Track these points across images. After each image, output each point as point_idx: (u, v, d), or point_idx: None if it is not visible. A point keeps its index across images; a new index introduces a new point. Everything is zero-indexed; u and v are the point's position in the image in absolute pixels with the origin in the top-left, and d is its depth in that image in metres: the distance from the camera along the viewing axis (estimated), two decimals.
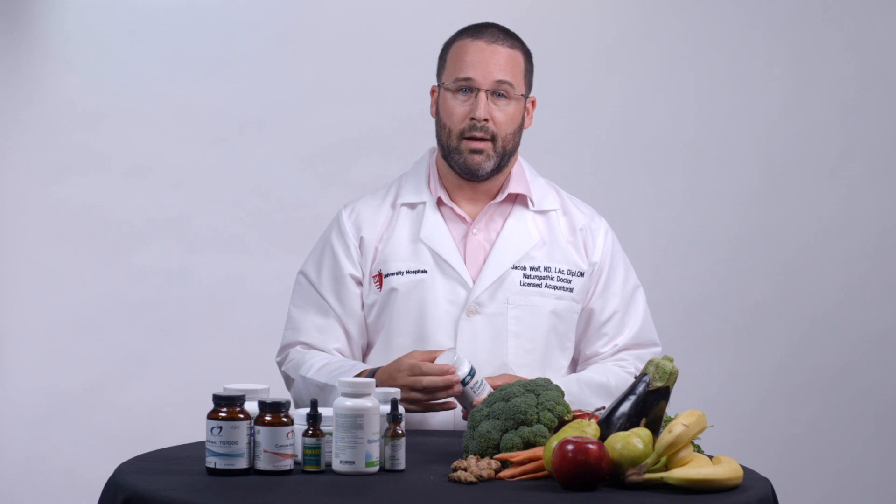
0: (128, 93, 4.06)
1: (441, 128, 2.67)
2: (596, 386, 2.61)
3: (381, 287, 2.65)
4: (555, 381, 2.56)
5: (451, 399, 2.45)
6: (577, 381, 2.62)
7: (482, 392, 2.43)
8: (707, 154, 4.33)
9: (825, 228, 4.37)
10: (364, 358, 2.70)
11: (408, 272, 2.64)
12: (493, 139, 2.62)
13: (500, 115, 2.62)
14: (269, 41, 4.13)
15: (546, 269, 2.66)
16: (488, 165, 2.64)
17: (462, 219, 2.68)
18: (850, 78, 4.38)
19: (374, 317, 2.66)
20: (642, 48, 4.31)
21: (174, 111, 4.09)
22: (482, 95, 2.61)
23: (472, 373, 2.43)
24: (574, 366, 2.74)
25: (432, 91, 2.71)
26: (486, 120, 2.61)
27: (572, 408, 2.49)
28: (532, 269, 2.65)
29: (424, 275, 2.63)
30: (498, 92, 2.62)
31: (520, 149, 2.73)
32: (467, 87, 2.62)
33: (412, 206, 2.70)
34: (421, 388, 2.42)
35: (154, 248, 4.07)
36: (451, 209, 2.68)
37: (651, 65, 4.31)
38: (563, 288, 2.66)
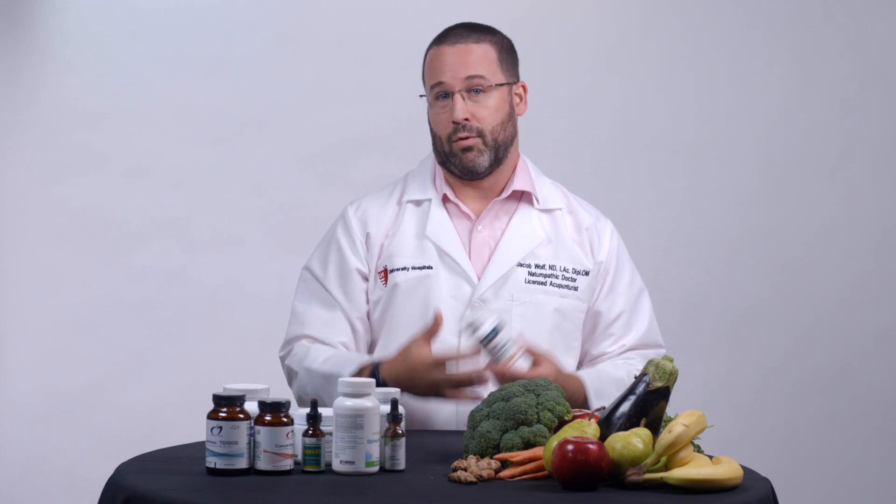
0: (128, 93, 4.06)
1: (434, 137, 2.69)
2: (613, 379, 2.61)
3: (386, 283, 2.65)
4: (576, 373, 2.58)
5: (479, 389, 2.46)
6: (597, 374, 2.62)
7: (506, 354, 2.41)
8: (707, 154, 4.33)
9: (825, 228, 4.37)
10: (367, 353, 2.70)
11: (413, 268, 2.64)
12: (480, 135, 2.63)
13: (481, 110, 2.63)
14: (269, 41, 4.13)
15: (551, 267, 2.67)
16: (483, 160, 2.64)
17: (467, 216, 2.68)
18: (850, 78, 4.38)
19: (379, 313, 2.66)
20: (642, 48, 4.31)
21: (174, 111, 4.09)
22: (457, 97, 2.62)
23: (493, 333, 2.41)
24: (580, 367, 2.74)
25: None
26: (466, 119, 2.62)
27: (594, 399, 2.50)
28: (537, 266, 2.66)
29: (429, 270, 2.64)
30: (473, 88, 2.63)
31: (521, 149, 2.73)
32: (443, 93, 2.64)
33: (418, 203, 2.70)
34: (454, 384, 2.43)
35: (154, 248, 4.07)
36: (457, 206, 2.68)
37: (651, 65, 4.31)
38: (567, 286, 2.67)
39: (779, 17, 4.34)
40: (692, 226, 4.32)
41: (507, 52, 2.69)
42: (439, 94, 2.64)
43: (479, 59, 2.64)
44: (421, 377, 2.45)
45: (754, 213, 4.34)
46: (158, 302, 4.07)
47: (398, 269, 2.65)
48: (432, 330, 2.47)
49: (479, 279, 2.63)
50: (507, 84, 2.67)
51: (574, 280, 2.68)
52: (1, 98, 4.00)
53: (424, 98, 2.72)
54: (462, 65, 2.63)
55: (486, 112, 2.63)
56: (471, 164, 2.64)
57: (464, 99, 2.62)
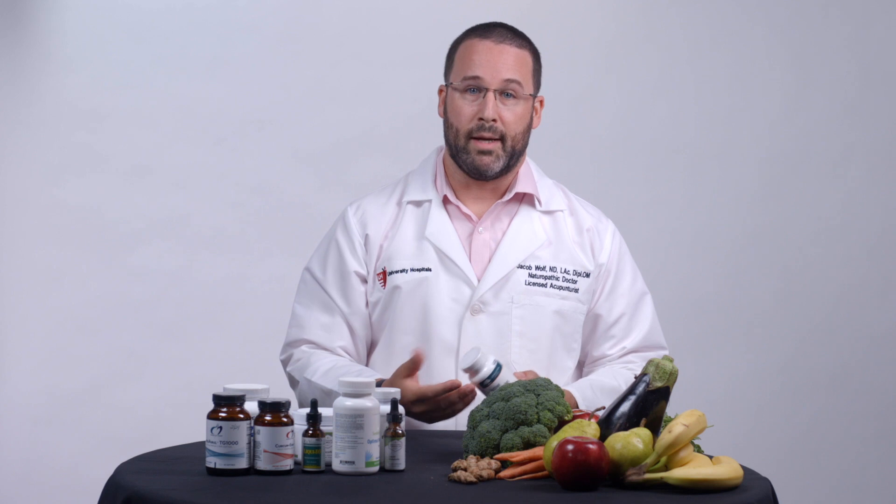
0: (128, 93, 4.06)
1: (449, 128, 2.66)
2: (608, 390, 2.59)
3: (385, 285, 2.64)
4: (567, 386, 2.57)
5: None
6: (591, 386, 2.60)
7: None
8: (707, 154, 4.33)
9: (825, 228, 4.37)
10: (367, 355, 2.70)
11: (412, 270, 2.63)
12: (501, 139, 2.62)
13: (509, 114, 2.62)
14: (269, 41, 4.13)
15: (551, 268, 2.66)
16: (497, 166, 2.63)
17: (468, 217, 2.67)
18: (850, 78, 4.38)
19: (378, 315, 2.66)
20: (642, 48, 4.31)
21: (174, 111, 4.09)
22: (490, 95, 2.61)
23: (494, 374, 2.40)
24: (580, 368, 2.73)
25: (440, 91, 2.70)
26: (494, 120, 2.60)
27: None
28: (538, 268, 2.65)
29: (428, 273, 2.63)
30: (506, 91, 2.62)
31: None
32: (475, 87, 2.62)
33: (418, 203, 2.69)
34: (441, 409, 2.42)
35: (154, 248, 4.07)
36: (458, 207, 2.67)
37: (651, 65, 4.31)
38: (568, 288, 2.66)
39: (779, 17, 4.34)
40: (692, 226, 4.32)
41: (538, 65, 2.69)
42: (471, 86, 2.62)
43: (520, 64, 2.63)
44: (411, 411, 2.43)
45: (754, 213, 4.34)
46: (158, 302, 4.07)
47: (397, 271, 2.64)
48: (412, 367, 2.45)
49: (478, 281, 2.63)
50: (534, 96, 2.67)
51: (575, 282, 2.67)
52: (1, 98, 4.00)
53: (442, 87, 2.69)
54: (503, 65, 2.62)
55: (512, 118, 2.62)
56: (484, 167, 2.63)
57: (496, 100, 2.62)
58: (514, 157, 2.65)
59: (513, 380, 2.41)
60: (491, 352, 2.47)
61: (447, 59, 2.70)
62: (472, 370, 2.39)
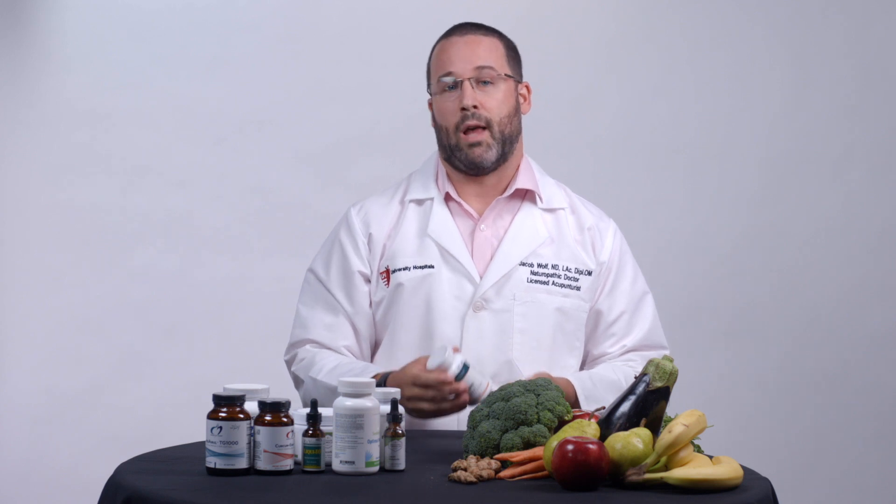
0: (128, 93, 4.06)
1: (439, 130, 2.67)
2: (608, 383, 2.60)
3: (388, 283, 2.65)
4: (567, 377, 2.57)
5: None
6: (590, 377, 2.61)
7: (477, 390, 2.42)
8: (707, 154, 4.33)
9: (825, 228, 4.37)
10: (371, 355, 2.70)
11: (414, 267, 2.64)
12: (488, 126, 2.63)
13: (489, 99, 2.63)
14: (269, 41, 4.13)
15: (553, 266, 2.66)
16: (490, 154, 2.64)
17: (469, 214, 2.68)
18: (850, 78, 4.38)
19: (382, 313, 2.66)
20: (642, 48, 4.31)
21: (174, 111, 4.09)
22: (466, 84, 2.62)
23: (460, 375, 2.41)
24: (582, 367, 2.73)
25: (429, 105, 2.71)
26: (475, 107, 2.61)
27: (585, 403, 2.50)
28: (539, 266, 2.65)
29: (431, 270, 2.63)
30: (482, 79, 2.63)
31: (523, 149, 2.73)
32: (452, 83, 2.63)
33: (420, 202, 2.70)
34: (429, 399, 2.42)
35: (154, 248, 4.08)
36: (459, 205, 2.68)
37: (651, 65, 4.31)
38: (569, 286, 2.66)
39: (779, 17, 4.34)
40: (692, 225, 4.32)
41: (513, 52, 2.71)
42: (448, 84, 2.64)
43: (488, 50, 2.65)
44: (405, 392, 2.43)
45: (754, 213, 4.34)
46: (158, 302, 4.07)
47: (400, 269, 2.64)
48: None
49: (481, 278, 2.63)
50: (514, 79, 2.68)
51: (576, 280, 2.67)
52: (1, 98, 4.00)
53: (427, 97, 2.71)
54: (472, 55, 2.64)
55: (494, 102, 2.63)
56: (478, 159, 2.64)
57: (472, 88, 2.62)
58: (507, 143, 2.65)
59: (485, 381, 2.42)
60: (461, 353, 2.47)
61: (426, 72, 2.71)
62: (439, 369, 2.40)
